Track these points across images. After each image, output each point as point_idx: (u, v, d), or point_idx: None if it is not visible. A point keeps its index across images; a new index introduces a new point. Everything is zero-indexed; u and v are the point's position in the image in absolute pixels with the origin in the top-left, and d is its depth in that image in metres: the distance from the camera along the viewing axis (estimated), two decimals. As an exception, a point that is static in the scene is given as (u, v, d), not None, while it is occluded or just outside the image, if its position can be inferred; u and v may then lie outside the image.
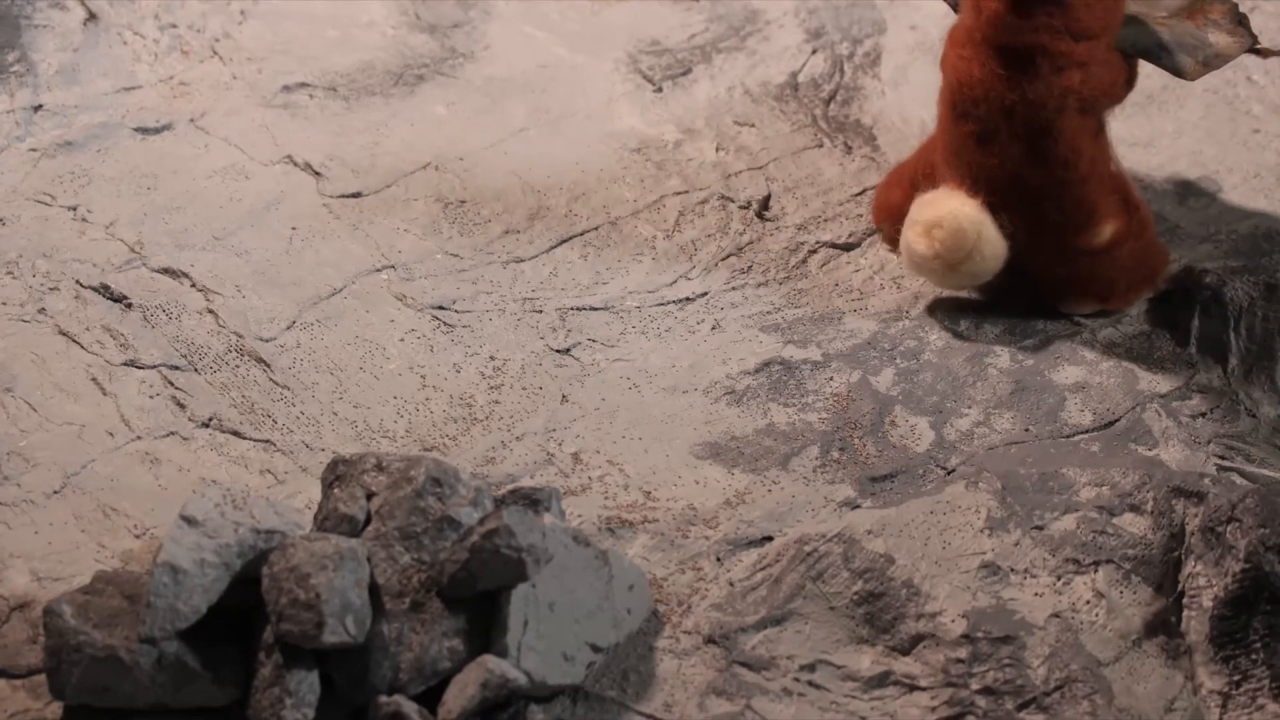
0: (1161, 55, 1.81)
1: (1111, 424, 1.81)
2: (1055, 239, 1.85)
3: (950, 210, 1.83)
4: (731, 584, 1.64)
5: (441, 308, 1.94)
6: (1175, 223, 2.07)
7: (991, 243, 1.83)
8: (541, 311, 1.94)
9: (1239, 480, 1.71)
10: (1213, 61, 1.82)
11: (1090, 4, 1.76)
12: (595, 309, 1.95)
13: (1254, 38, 1.84)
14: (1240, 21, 1.84)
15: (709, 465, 1.77)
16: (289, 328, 1.91)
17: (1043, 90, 1.77)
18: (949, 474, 1.75)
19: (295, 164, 2.12)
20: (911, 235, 1.85)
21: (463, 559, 1.48)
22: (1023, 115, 1.79)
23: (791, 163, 2.17)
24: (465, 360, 1.88)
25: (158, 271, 1.96)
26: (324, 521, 1.53)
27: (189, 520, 1.48)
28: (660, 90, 2.28)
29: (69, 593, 1.50)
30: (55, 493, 1.71)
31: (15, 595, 1.60)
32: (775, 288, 1.99)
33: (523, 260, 2.01)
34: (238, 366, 1.86)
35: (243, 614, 1.49)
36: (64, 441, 1.76)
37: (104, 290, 1.92)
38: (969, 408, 1.83)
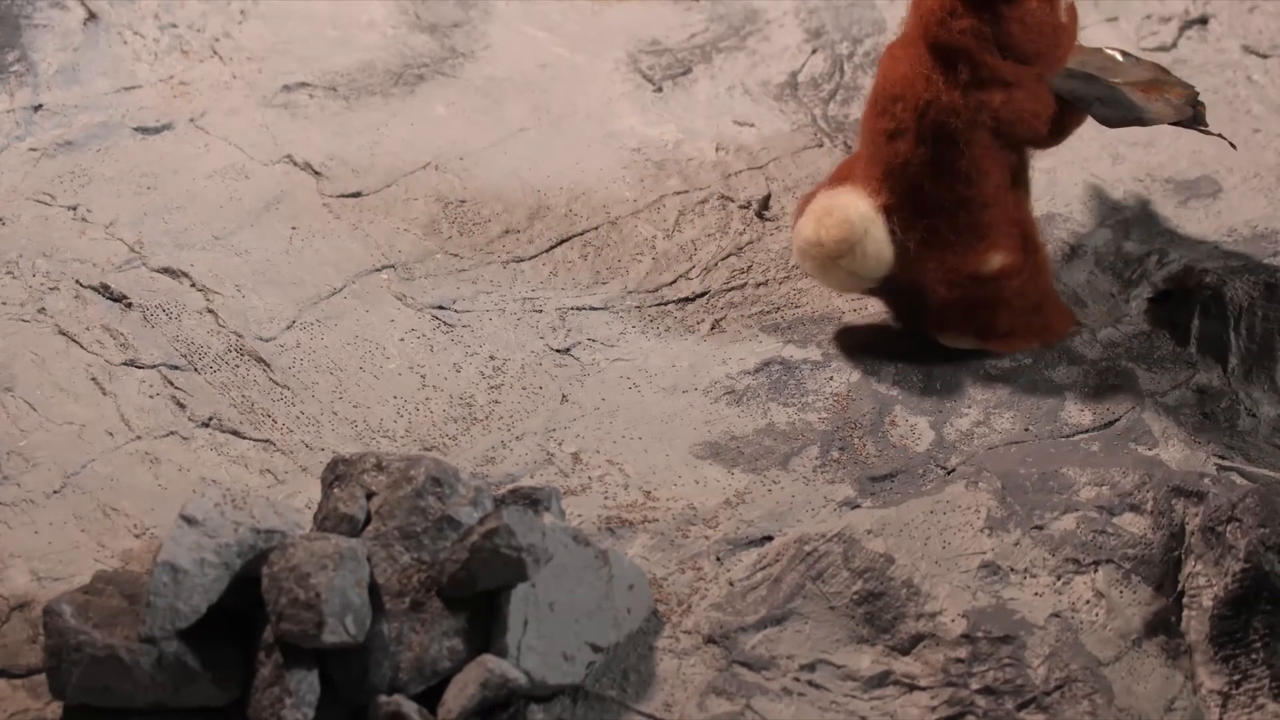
0: (1093, 105, 1.78)
1: (1111, 424, 1.81)
2: (943, 256, 1.79)
3: (843, 202, 1.79)
4: (731, 584, 1.64)
5: (441, 308, 1.94)
6: (1175, 223, 2.07)
7: (876, 243, 1.78)
8: (541, 311, 1.94)
9: (1239, 480, 1.71)
10: (1143, 121, 1.80)
11: (1027, 25, 1.71)
12: (595, 309, 1.95)
13: (1202, 121, 1.81)
14: (1194, 105, 1.81)
15: (709, 465, 1.77)
16: (289, 328, 1.91)
17: (959, 98, 1.73)
18: (949, 474, 1.75)
19: (295, 164, 2.12)
20: (802, 220, 1.82)
21: (463, 559, 1.48)
22: (933, 119, 1.74)
23: (791, 163, 2.17)
24: (465, 360, 1.88)
25: (158, 271, 1.96)
26: (324, 521, 1.53)
27: (189, 520, 1.48)
28: (660, 90, 2.28)
29: (69, 592, 1.50)
30: (55, 493, 1.70)
31: (15, 595, 1.60)
32: (775, 288, 1.99)
33: (523, 260, 2.01)
34: (238, 366, 1.86)
35: (243, 614, 1.49)
36: (64, 441, 1.76)
37: (104, 290, 1.92)
38: (969, 408, 1.83)
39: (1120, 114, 1.78)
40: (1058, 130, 1.81)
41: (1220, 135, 1.85)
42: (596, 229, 2.06)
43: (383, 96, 2.23)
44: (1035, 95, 1.76)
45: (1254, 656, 1.57)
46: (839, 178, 1.84)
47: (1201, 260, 1.99)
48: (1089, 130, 2.21)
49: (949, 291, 1.81)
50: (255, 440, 1.78)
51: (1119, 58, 1.86)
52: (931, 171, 1.76)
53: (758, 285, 1.99)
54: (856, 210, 1.78)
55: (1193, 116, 1.81)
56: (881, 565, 1.62)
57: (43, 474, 1.72)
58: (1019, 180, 1.82)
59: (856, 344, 1.91)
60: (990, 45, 1.71)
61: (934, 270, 1.80)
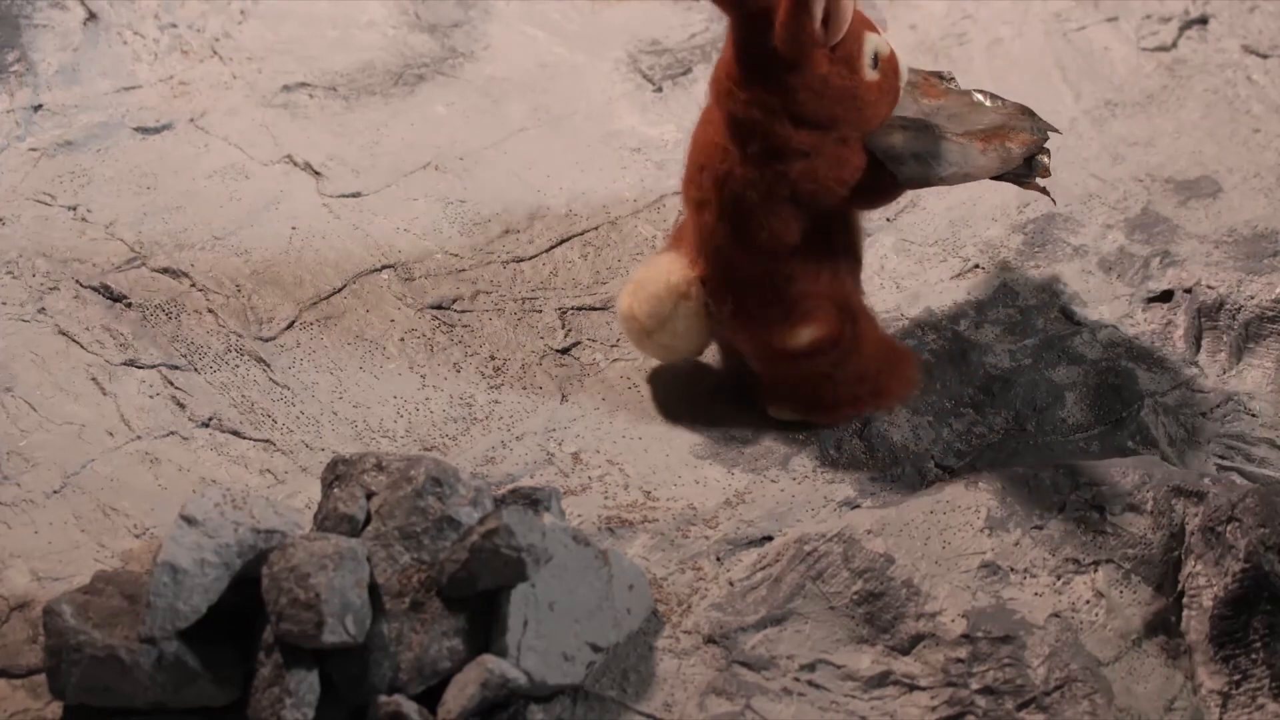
0: (905, 163, 1.66)
1: (1111, 424, 1.81)
2: (753, 330, 1.73)
3: (657, 274, 1.73)
4: (731, 584, 1.64)
5: (441, 308, 1.94)
6: (1175, 223, 2.07)
7: (686, 319, 1.73)
8: (541, 311, 1.94)
9: (1239, 480, 1.71)
10: (960, 177, 1.68)
11: (818, 91, 1.61)
12: (595, 309, 1.95)
13: (1036, 173, 1.69)
14: (1031, 159, 1.69)
15: (709, 465, 1.77)
16: (289, 328, 1.91)
17: (753, 171, 1.64)
18: (949, 474, 1.75)
19: (295, 164, 2.12)
20: (622, 290, 1.77)
21: (463, 559, 1.47)
22: (731, 191, 1.65)
23: (791, 163, 2.17)
24: (465, 360, 1.88)
25: (158, 271, 1.96)
26: (324, 521, 1.53)
27: (189, 520, 1.48)
28: (660, 90, 2.28)
29: (69, 592, 1.50)
30: (55, 493, 1.70)
31: (15, 595, 1.60)
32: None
33: (523, 260, 2.01)
34: (238, 366, 1.86)
35: (243, 614, 1.49)
36: (64, 441, 1.76)
37: (104, 290, 1.92)
38: (969, 407, 1.83)
39: (930, 172, 1.66)
40: (875, 189, 1.68)
41: (1045, 191, 1.72)
42: (596, 229, 2.06)
43: (383, 96, 2.23)
44: (838, 161, 1.65)
45: (1254, 656, 1.57)
46: (674, 241, 1.78)
47: (1201, 260, 1.99)
48: (1089, 130, 2.22)
49: (764, 366, 1.76)
50: (255, 440, 1.78)
51: (983, 101, 1.73)
52: (735, 244, 1.68)
53: (758, 285, 1.99)
54: (668, 283, 1.72)
55: (1027, 166, 1.69)
56: (881, 565, 1.62)
57: (43, 474, 1.72)
58: (838, 247, 1.71)
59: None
60: (780, 116, 1.61)
61: (746, 344, 1.75)
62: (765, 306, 1.70)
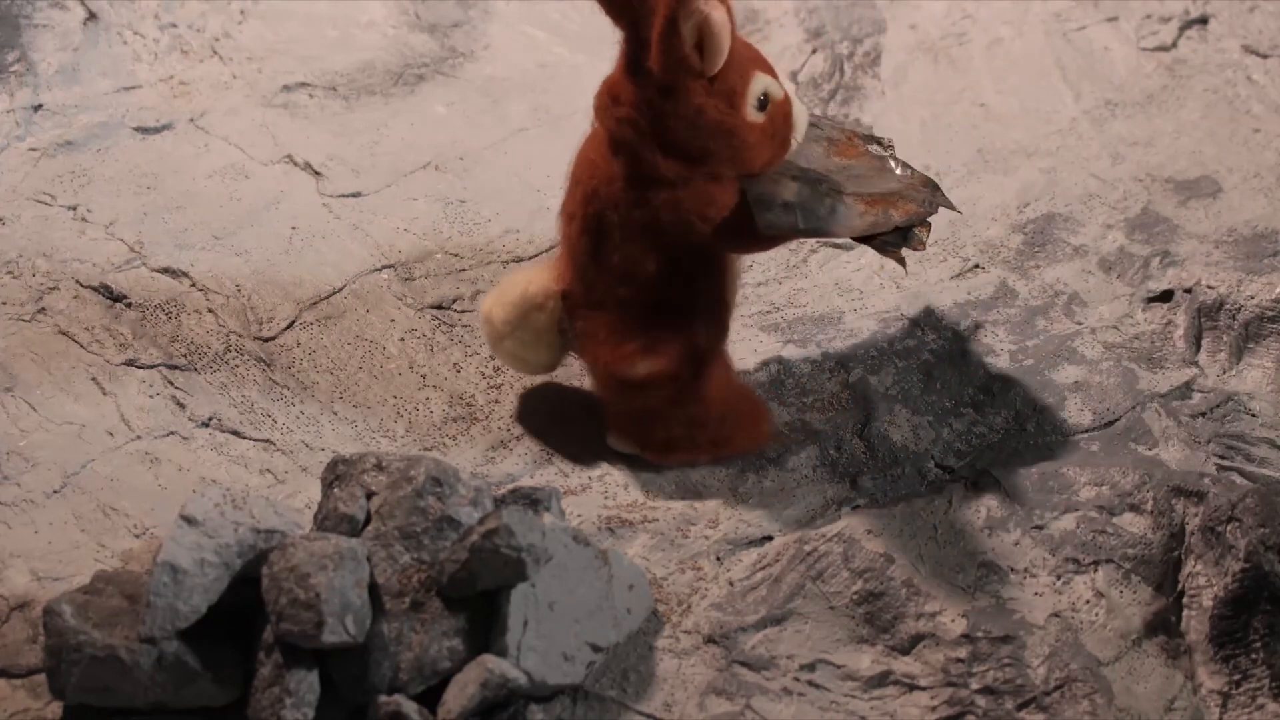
0: (771, 210, 1.59)
1: (1111, 424, 1.81)
2: (597, 352, 1.68)
3: (522, 280, 1.71)
4: (731, 584, 1.64)
5: (441, 307, 1.94)
6: (1175, 223, 2.07)
7: (535, 331, 1.70)
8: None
9: (1239, 480, 1.71)
10: (820, 233, 1.62)
11: (691, 122, 1.55)
12: (595, 309, 1.95)
13: (899, 243, 1.63)
14: (908, 230, 1.63)
15: (709, 465, 1.77)
16: (289, 327, 1.91)
17: (618, 192, 1.60)
18: (949, 474, 1.75)
19: (295, 164, 2.12)
20: (489, 293, 1.75)
21: (463, 559, 1.47)
22: (595, 209, 1.62)
23: (791, 162, 2.17)
24: (465, 360, 1.88)
25: (158, 271, 1.96)
26: (324, 521, 1.53)
27: (189, 520, 1.48)
28: (660, 90, 2.28)
29: (69, 592, 1.50)
30: (55, 492, 1.70)
31: (15, 595, 1.60)
32: (775, 287, 1.99)
33: (522, 260, 2.01)
34: (237, 366, 1.86)
35: (243, 614, 1.49)
36: (64, 441, 1.76)
37: (104, 290, 1.92)
38: (969, 407, 1.83)
39: (793, 223, 1.59)
40: (737, 232, 1.61)
41: (901, 261, 1.64)
42: (596, 229, 2.05)
43: (383, 96, 2.23)
44: (705, 196, 1.59)
45: (1254, 656, 1.57)
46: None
47: (1201, 260, 1.99)
48: (1089, 130, 2.22)
49: (604, 393, 1.72)
50: (255, 440, 1.78)
51: (894, 168, 1.67)
52: (593, 262, 1.64)
53: (758, 285, 1.99)
54: (525, 293, 1.69)
55: (901, 236, 1.63)
56: (881, 565, 1.62)
57: (43, 474, 1.72)
58: (699, 288, 1.65)
59: (857, 344, 1.91)
60: (650, 141, 1.56)
61: (590, 367, 1.72)
62: (611, 331, 1.65)
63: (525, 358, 1.75)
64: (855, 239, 1.63)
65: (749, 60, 1.57)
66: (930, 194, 1.65)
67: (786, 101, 1.60)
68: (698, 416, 1.70)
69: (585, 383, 1.80)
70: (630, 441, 1.73)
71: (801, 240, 2.05)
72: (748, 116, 1.57)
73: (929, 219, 1.64)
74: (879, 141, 1.71)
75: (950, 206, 1.67)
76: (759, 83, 1.57)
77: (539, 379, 1.84)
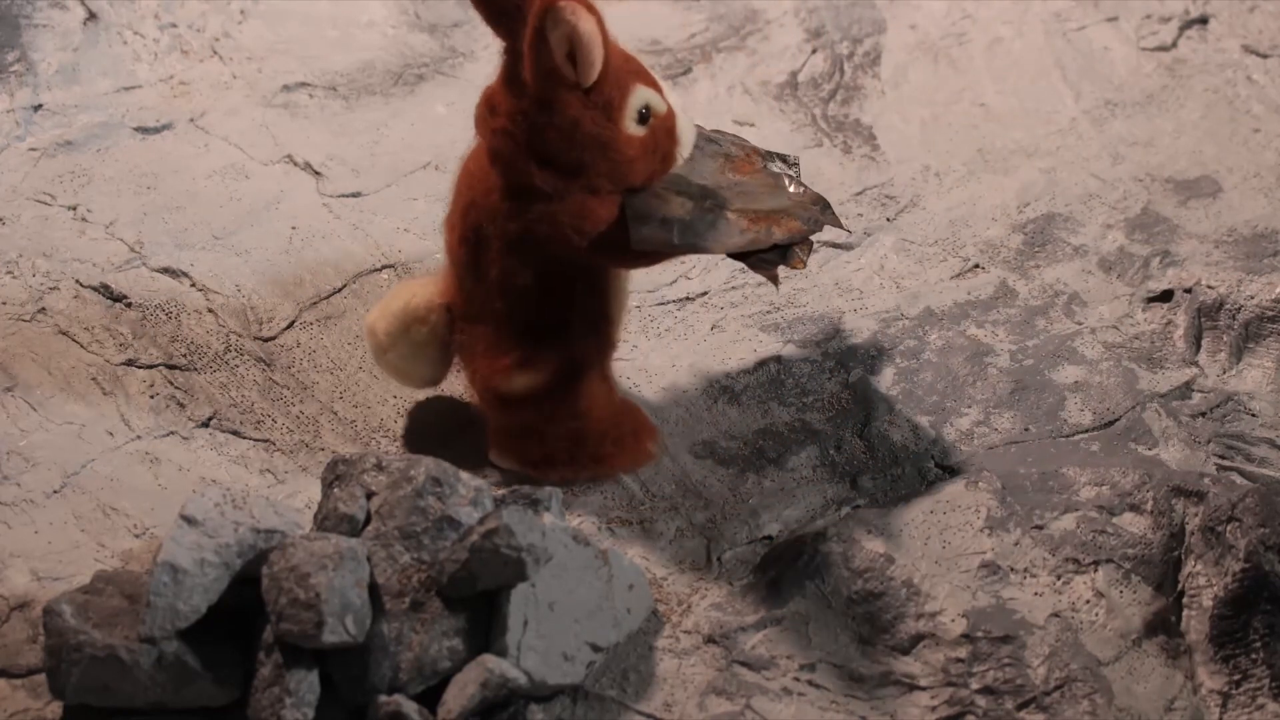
0: (647, 224, 1.56)
1: (1111, 424, 1.81)
2: (476, 365, 1.66)
3: (402, 294, 1.69)
4: (731, 584, 1.64)
5: (441, 307, 1.94)
6: (1175, 223, 2.07)
7: (417, 344, 1.68)
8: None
9: (1239, 480, 1.71)
10: (695, 249, 1.58)
11: (567, 134, 1.52)
12: (595, 309, 1.95)
13: (777, 260, 1.58)
14: (788, 247, 1.58)
15: (709, 464, 1.77)
16: (289, 327, 1.91)
17: (495, 204, 1.57)
18: (949, 474, 1.75)
19: (295, 164, 2.12)
20: (376, 305, 1.73)
21: (463, 559, 1.47)
22: (473, 220, 1.60)
23: (791, 162, 2.17)
24: (465, 360, 1.88)
25: (158, 271, 1.96)
26: (324, 521, 1.53)
27: (189, 520, 1.48)
28: (660, 90, 2.28)
29: (69, 592, 1.50)
30: (55, 492, 1.70)
31: (15, 595, 1.60)
32: (775, 287, 1.99)
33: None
34: (238, 366, 1.86)
35: (243, 614, 1.49)
36: (64, 441, 1.76)
37: (104, 290, 1.92)
38: (969, 407, 1.83)
39: (668, 238, 1.56)
40: (612, 246, 1.57)
41: (774, 279, 1.59)
42: (596, 229, 2.05)
43: (383, 96, 2.23)
44: (580, 210, 1.56)
45: (1254, 656, 1.57)
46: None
47: (1201, 260, 1.98)
48: (1089, 130, 2.22)
49: (484, 407, 1.69)
50: (255, 440, 1.78)
51: (787, 186, 1.63)
52: (471, 275, 1.62)
53: (758, 285, 1.99)
54: (407, 305, 1.68)
55: (780, 253, 1.58)
56: (881, 565, 1.62)
57: (43, 474, 1.72)
58: (578, 303, 1.63)
59: (857, 344, 1.91)
60: (526, 152, 1.54)
61: (470, 380, 1.69)
62: (489, 345, 1.63)
63: (407, 371, 1.72)
64: (731, 255, 1.60)
65: (630, 72, 1.55)
66: (819, 212, 1.62)
67: (670, 115, 1.57)
68: (577, 432, 1.67)
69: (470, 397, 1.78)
70: (511, 457, 1.70)
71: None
72: (626, 129, 1.54)
73: (811, 238, 1.61)
74: (784, 159, 1.67)
75: (839, 225, 1.64)
76: (640, 95, 1.55)
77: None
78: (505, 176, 1.56)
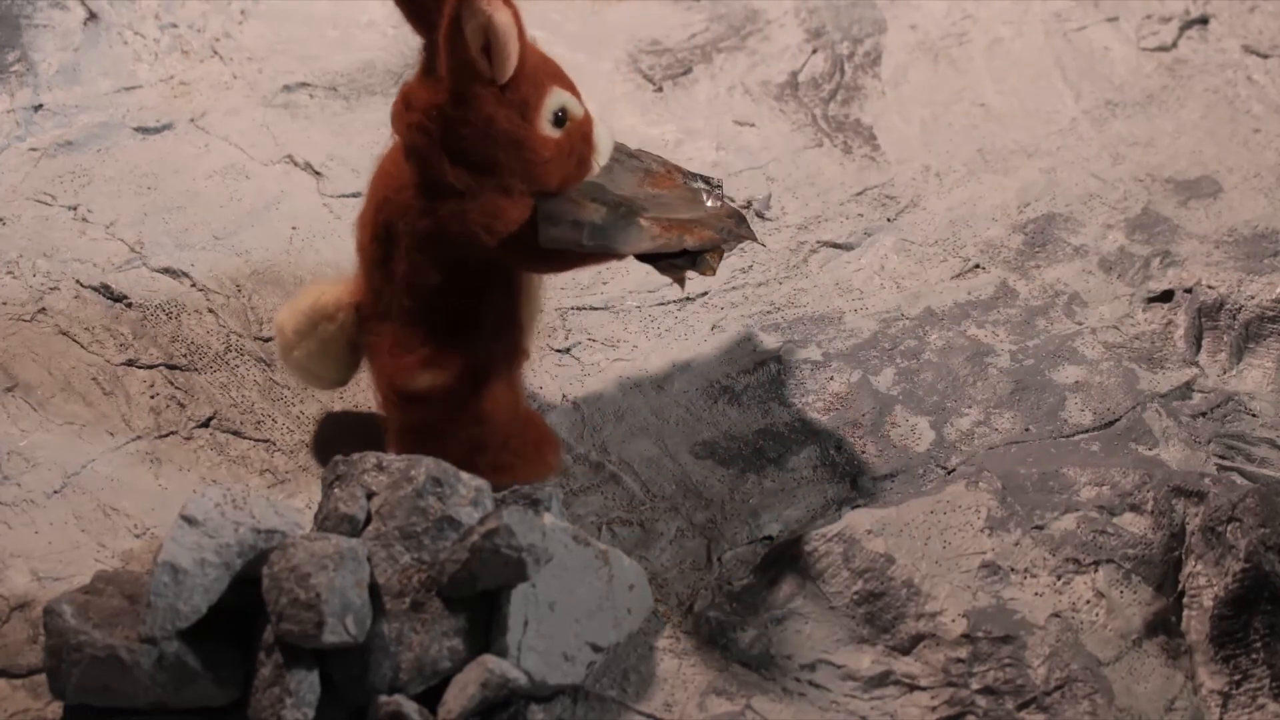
0: (558, 226, 1.55)
1: (1111, 424, 1.81)
2: (382, 364, 1.64)
3: (311, 292, 1.67)
4: (731, 584, 1.64)
5: (441, 307, 1.94)
6: (1175, 223, 2.07)
7: (323, 342, 1.67)
8: (541, 311, 1.94)
9: (1239, 480, 1.71)
10: (606, 251, 1.58)
11: (481, 131, 1.51)
12: (595, 309, 1.95)
13: (685, 264, 1.58)
14: (698, 254, 1.58)
15: (709, 464, 1.77)
16: (289, 327, 1.90)
17: (407, 200, 1.56)
18: (949, 474, 1.75)
19: (295, 164, 2.12)
20: (286, 303, 1.71)
21: (463, 559, 1.47)
22: (385, 217, 1.59)
23: (791, 163, 2.17)
24: (465, 360, 1.88)
25: (158, 271, 1.96)
26: (324, 521, 1.53)
27: (189, 520, 1.48)
28: (660, 90, 2.28)
29: (69, 592, 1.50)
30: (55, 493, 1.70)
31: (15, 595, 1.60)
32: (775, 288, 1.99)
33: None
34: (238, 366, 1.86)
35: (243, 614, 1.49)
36: (64, 441, 1.76)
37: (104, 290, 1.92)
38: (969, 407, 1.83)
39: (578, 239, 1.55)
40: (522, 247, 1.56)
41: (680, 282, 1.60)
42: (596, 229, 2.05)
43: (383, 96, 2.23)
44: (492, 209, 1.54)
45: (1254, 656, 1.57)
46: None
47: (1201, 260, 1.98)
48: (1089, 130, 2.22)
49: (386, 407, 1.67)
50: (255, 440, 1.78)
51: (705, 200, 1.63)
52: (381, 271, 1.61)
53: (758, 285, 1.99)
54: (315, 303, 1.66)
55: (690, 258, 1.58)
56: (881, 565, 1.62)
57: (43, 474, 1.72)
58: (489, 305, 1.61)
59: (857, 344, 1.91)
60: (439, 148, 1.52)
61: (375, 379, 1.67)
62: (395, 342, 1.61)
63: (313, 370, 1.71)
64: (639, 258, 1.59)
65: (548, 74, 1.54)
66: (734, 225, 1.62)
67: (587, 121, 1.57)
68: (478, 438, 1.64)
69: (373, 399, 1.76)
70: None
71: (801, 241, 2.05)
72: (541, 130, 1.53)
73: (723, 246, 1.60)
74: (706, 181, 1.66)
75: (754, 239, 1.64)
76: (556, 98, 1.54)
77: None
78: (419, 173, 1.55)
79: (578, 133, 1.56)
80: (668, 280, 1.99)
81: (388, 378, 1.63)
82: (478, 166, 1.53)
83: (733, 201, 1.65)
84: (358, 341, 1.67)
